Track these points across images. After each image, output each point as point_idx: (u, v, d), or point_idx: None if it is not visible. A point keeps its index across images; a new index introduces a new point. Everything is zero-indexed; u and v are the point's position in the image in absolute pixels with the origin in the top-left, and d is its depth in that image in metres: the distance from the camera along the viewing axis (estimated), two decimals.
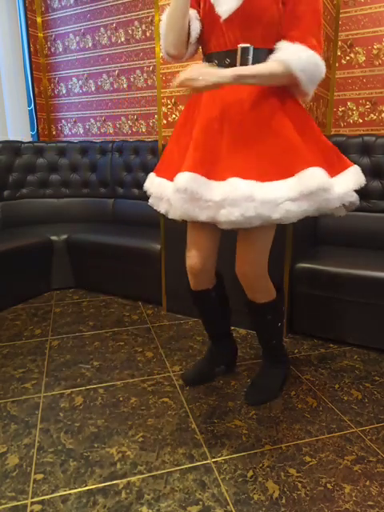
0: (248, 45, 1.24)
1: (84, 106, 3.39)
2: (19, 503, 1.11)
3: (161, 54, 2.08)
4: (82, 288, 2.83)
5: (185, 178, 1.23)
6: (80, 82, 3.35)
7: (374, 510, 1.09)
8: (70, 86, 3.42)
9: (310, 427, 1.42)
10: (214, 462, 1.26)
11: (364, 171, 2.19)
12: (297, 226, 1.99)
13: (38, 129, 3.48)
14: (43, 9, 3.38)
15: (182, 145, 1.35)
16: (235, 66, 1.26)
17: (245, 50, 1.25)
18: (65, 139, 3.54)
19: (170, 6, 1.28)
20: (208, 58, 1.34)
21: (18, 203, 3.06)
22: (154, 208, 1.43)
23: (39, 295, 2.72)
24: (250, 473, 1.22)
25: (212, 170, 1.24)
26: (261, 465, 1.25)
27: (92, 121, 3.38)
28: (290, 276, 2.02)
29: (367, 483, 1.18)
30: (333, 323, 2.01)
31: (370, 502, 1.11)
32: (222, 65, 1.27)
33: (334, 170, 1.27)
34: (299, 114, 1.31)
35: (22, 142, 3.10)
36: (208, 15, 1.28)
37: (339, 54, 2.33)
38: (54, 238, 2.72)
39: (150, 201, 1.45)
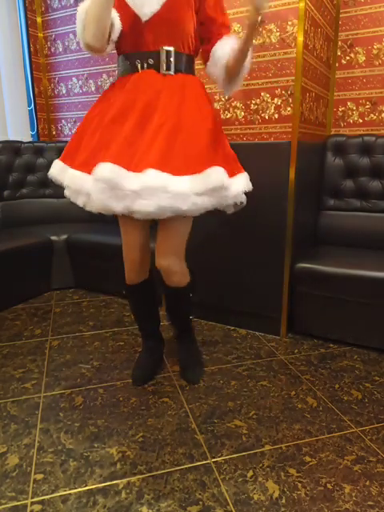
0: (171, 47, 1.34)
1: (84, 106, 3.39)
2: (19, 503, 1.11)
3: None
4: (82, 288, 2.83)
5: (107, 168, 1.24)
6: (80, 82, 3.35)
7: (373, 510, 1.09)
8: (69, 86, 3.42)
9: (309, 427, 1.42)
10: (213, 461, 1.26)
11: (364, 171, 2.24)
12: (297, 226, 2.00)
13: (37, 129, 3.48)
14: (43, 9, 3.38)
15: (95, 136, 1.36)
16: (159, 66, 1.35)
17: (168, 53, 1.35)
18: (65, 139, 3.54)
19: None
20: (127, 57, 1.38)
21: (18, 203, 3.05)
22: (71, 200, 1.44)
23: (39, 295, 2.72)
24: (250, 473, 1.22)
25: (131, 161, 1.27)
26: (261, 465, 1.25)
27: None
28: (289, 276, 2.02)
29: (367, 483, 1.18)
30: (333, 323, 2.01)
31: (369, 502, 1.11)
32: (145, 65, 1.36)
33: (231, 171, 1.38)
34: (215, 115, 1.43)
35: (21, 142, 3.10)
36: (127, 16, 1.32)
37: (339, 54, 2.33)
38: (54, 238, 2.72)
39: (66, 192, 1.44)
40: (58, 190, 3.14)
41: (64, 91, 3.46)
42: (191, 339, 1.86)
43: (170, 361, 1.88)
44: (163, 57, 1.35)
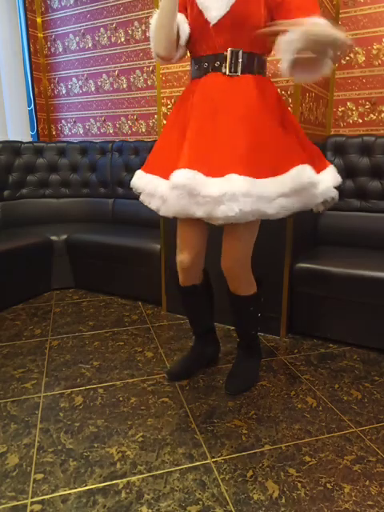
0: (238, 48, 1.32)
1: (84, 107, 3.39)
2: (19, 503, 1.12)
3: None
4: (82, 288, 2.83)
5: (182, 175, 1.25)
6: (80, 82, 3.35)
7: (373, 509, 1.09)
8: (69, 86, 3.42)
9: (309, 427, 1.42)
10: (213, 461, 1.26)
11: (364, 171, 2.24)
12: (297, 225, 2.00)
13: (37, 129, 3.48)
14: (43, 9, 3.38)
15: (173, 142, 1.38)
16: (225, 68, 1.33)
17: (234, 54, 1.32)
18: (65, 139, 3.54)
19: (159, 8, 1.32)
20: (197, 61, 1.39)
21: (18, 203, 3.06)
22: (145, 204, 1.46)
23: (39, 295, 2.72)
24: (250, 472, 1.22)
25: (209, 166, 1.26)
26: (260, 465, 1.25)
27: (92, 121, 3.38)
28: (289, 276, 2.02)
29: (367, 483, 1.18)
30: (333, 323, 2.01)
31: (369, 502, 1.11)
32: (212, 67, 1.35)
33: (316, 167, 1.34)
34: (286, 113, 1.40)
35: (21, 142, 3.10)
36: (197, 20, 1.33)
37: (339, 54, 2.33)
38: (53, 237, 2.72)
39: (141, 197, 1.48)
40: (58, 190, 3.18)
41: (64, 91, 3.46)
42: (251, 354, 1.72)
43: (170, 361, 1.88)
44: (229, 58, 1.32)
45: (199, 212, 1.27)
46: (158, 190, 1.36)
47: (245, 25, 1.29)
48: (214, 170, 1.25)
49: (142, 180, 1.46)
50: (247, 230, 1.40)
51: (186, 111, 1.38)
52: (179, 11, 1.34)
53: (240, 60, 1.32)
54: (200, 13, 1.31)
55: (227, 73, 1.33)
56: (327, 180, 1.37)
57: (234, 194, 1.20)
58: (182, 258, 1.52)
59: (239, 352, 1.75)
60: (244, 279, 1.52)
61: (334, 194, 1.38)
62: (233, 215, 1.22)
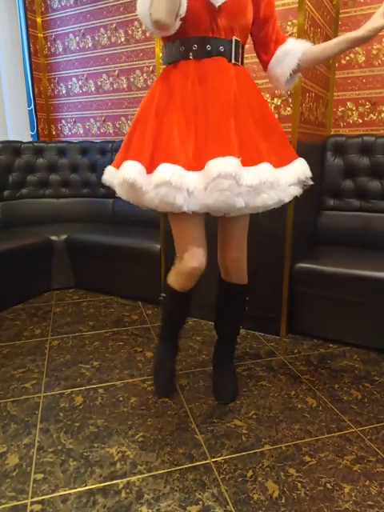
0: (239, 38, 1.31)
1: (84, 106, 3.39)
2: (19, 503, 1.12)
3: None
4: (82, 288, 2.83)
5: (230, 162, 1.18)
6: (80, 82, 3.35)
7: (373, 509, 1.09)
8: (69, 86, 3.42)
9: (309, 427, 1.42)
10: (213, 461, 1.26)
11: (364, 171, 2.24)
12: (297, 225, 2.00)
13: (37, 129, 3.48)
14: (43, 9, 3.38)
15: (184, 129, 1.27)
16: (230, 55, 1.30)
17: (237, 43, 1.31)
18: (65, 139, 3.54)
19: None
20: (195, 40, 1.29)
21: (18, 203, 3.06)
22: (169, 199, 1.22)
23: (39, 295, 2.72)
24: (250, 472, 1.22)
25: (243, 155, 1.23)
26: (260, 465, 1.25)
27: (92, 121, 3.38)
28: (290, 276, 2.02)
29: (367, 483, 1.18)
30: (333, 323, 2.01)
31: (369, 502, 1.11)
32: (210, 52, 1.29)
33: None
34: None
35: (21, 142, 3.10)
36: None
37: None
38: (53, 237, 2.72)
39: (163, 191, 1.21)
40: (58, 190, 3.18)
41: (64, 91, 3.46)
42: (232, 354, 1.70)
43: None
44: (233, 46, 1.30)
45: (240, 203, 1.22)
46: (185, 183, 1.20)
47: (240, 14, 1.30)
48: (247, 159, 1.23)
49: (164, 172, 1.21)
50: (246, 219, 1.45)
51: (193, 95, 1.28)
52: None
53: (240, 50, 1.32)
54: None
55: (233, 61, 1.30)
56: (304, 166, 1.42)
57: (272, 183, 1.24)
58: (199, 261, 1.36)
59: (222, 358, 1.68)
60: (244, 267, 1.52)
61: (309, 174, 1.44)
62: (271, 203, 1.27)
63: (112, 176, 1.42)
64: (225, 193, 1.19)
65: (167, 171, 1.20)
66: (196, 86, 1.28)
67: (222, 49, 1.29)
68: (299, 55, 1.35)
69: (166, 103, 1.31)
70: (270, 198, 1.26)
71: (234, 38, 1.29)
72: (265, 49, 1.41)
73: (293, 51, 1.36)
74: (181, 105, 1.28)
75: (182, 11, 1.23)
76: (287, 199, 1.33)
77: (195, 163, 1.23)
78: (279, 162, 1.32)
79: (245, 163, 1.22)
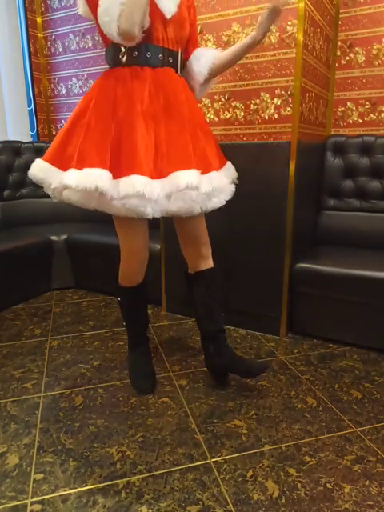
0: (182, 51, 1.45)
1: None
2: (19, 503, 1.12)
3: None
4: (82, 288, 2.83)
5: (193, 174, 1.31)
6: (80, 82, 3.35)
7: (373, 509, 1.09)
8: (69, 87, 3.42)
9: (309, 427, 1.42)
10: (213, 461, 1.26)
11: (364, 171, 2.24)
12: (297, 225, 2.00)
13: (37, 129, 3.48)
14: (43, 9, 3.38)
15: (145, 136, 1.30)
16: (176, 66, 1.42)
17: (182, 56, 1.45)
18: None
19: None
20: (147, 48, 1.33)
21: (18, 203, 3.05)
22: (140, 210, 1.27)
23: (39, 295, 2.72)
24: (250, 472, 1.22)
25: (197, 165, 1.36)
26: (260, 465, 1.25)
27: None
28: (289, 276, 2.02)
29: (367, 483, 1.18)
30: (333, 323, 2.01)
31: (369, 502, 1.11)
32: (162, 61, 1.37)
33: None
34: None
35: (21, 142, 3.10)
36: (155, 10, 1.30)
37: (339, 54, 2.33)
38: (53, 238, 2.72)
39: (134, 202, 1.25)
40: None
41: (64, 91, 3.46)
42: (224, 337, 1.66)
43: (169, 361, 1.88)
44: (180, 58, 1.43)
45: (197, 208, 1.36)
46: (155, 192, 1.26)
47: (184, 26, 1.41)
48: (201, 168, 1.36)
49: (136, 183, 1.24)
50: (203, 214, 1.55)
51: (151, 103, 1.32)
52: None
53: (183, 62, 1.48)
54: (154, 3, 1.29)
55: (179, 72, 1.44)
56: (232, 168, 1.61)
57: (221, 188, 1.43)
58: (145, 254, 1.52)
59: (220, 343, 1.62)
60: (210, 252, 1.64)
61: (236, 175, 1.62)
62: (219, 205, 1.44)
63: (45, 172, 1.37)
64: (189, 201, 1.31)
65: (139, 183, 1.23)
66: (152, 94, 1.34)
67: (171, 60, 1.39)
68: (214, 53, 1.51)
69: (127, 107, 1.32)
70: (219, 201, 1.43)
71: (180, 50, 1.42)
72: (185, 49, 1.51)
73: (208, 52, 1.53)
74: (141, 111, 1.31)
75: (146, 23, 1.29)
76: (228, 198, 1.49)
77: (156, 172, 1.30)
78: (220, 165, 1.50)
79: (202, 172, 1.37)
